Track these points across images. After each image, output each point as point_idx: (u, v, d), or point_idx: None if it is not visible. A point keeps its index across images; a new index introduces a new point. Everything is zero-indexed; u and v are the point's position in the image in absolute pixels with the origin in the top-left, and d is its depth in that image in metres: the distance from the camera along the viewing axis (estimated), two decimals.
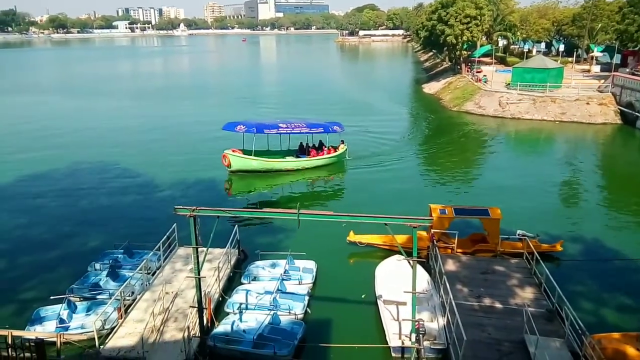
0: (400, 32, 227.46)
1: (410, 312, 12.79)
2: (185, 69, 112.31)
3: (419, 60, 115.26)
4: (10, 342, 12.08)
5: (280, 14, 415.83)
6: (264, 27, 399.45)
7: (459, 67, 67.06)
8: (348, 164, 31.31)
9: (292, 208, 12.12)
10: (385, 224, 11.90)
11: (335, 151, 31.05)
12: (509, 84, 51.85)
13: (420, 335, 12.53)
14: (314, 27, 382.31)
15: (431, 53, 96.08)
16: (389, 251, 18.91)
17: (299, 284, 16.67)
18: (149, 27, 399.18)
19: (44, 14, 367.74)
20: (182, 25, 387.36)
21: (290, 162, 30.03)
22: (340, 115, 47.18)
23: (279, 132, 29.41)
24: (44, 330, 13.80)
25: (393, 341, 13.38)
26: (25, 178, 28.88)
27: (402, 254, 12.45)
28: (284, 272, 17.10)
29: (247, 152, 28.89)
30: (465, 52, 67.46)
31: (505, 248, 18.37)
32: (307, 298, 15.80)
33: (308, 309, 15.32)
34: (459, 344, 12.18)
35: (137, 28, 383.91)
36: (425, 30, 67.14)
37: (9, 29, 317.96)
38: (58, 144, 37.23)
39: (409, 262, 12.27)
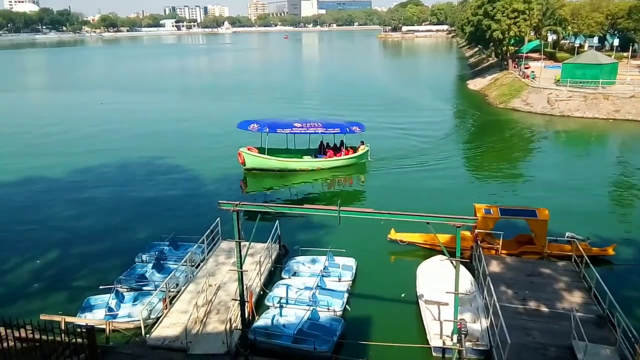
0: (445, 27, 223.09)
1: (452, 313, 12.57)
2: (230, 66, 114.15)
3: (463, 56, 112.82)
4: (63, 327, 12.67)
5: (323, 11, 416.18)
6: (307, 24, 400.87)
7: (505, 63, 65.19)
8: (383, 163, 30.49)
9: (333, 205, 12.13)
10: (428, 223, 11.72)
11: (354, 152, 30.01)
12: (558, 80, 49.94)
13: (463, 336, 12.31)
14: (356, 23, 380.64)
15: (476, 49, 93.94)
16: (431, 250, 18.65)
17: (339, 280, 16.68)
18: (194, 25, 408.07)
19: (96, 14, 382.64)
20: (226, 23, 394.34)
21: (304, 162, 29.40)
22: (380, 112, 47.29)
23: (292, 131, 28.84)
24: (94, 318, 14.38)
25: (434, 341, 13.19)
26: (79, 172, 30.13)
27: (445, 254, 12.24)
28: (324, 269, 17.14)
29: (263, 151, 28.70)
30: (512, 48, 65.45)
31: (552, 250, 17.76)
32: (346, 295, 15.79)
33: (347, 306, 15.31)
34: (502, 347, 11.88)
35: (183, 26, 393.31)
36: (470, 25, 65.61)
37: (64, 28, 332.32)
38: (110, 140, 38.68)
39: (452, 263, 12.06)
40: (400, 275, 17.46)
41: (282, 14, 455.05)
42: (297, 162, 29.38)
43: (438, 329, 13.31)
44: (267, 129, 28.01)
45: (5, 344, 11.59)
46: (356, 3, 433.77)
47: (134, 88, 71.14)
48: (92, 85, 77.57)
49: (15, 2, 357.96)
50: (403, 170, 29.72)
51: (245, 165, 28.70)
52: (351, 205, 21.26)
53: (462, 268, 13.73)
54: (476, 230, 17.43)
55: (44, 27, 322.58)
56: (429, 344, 13.30)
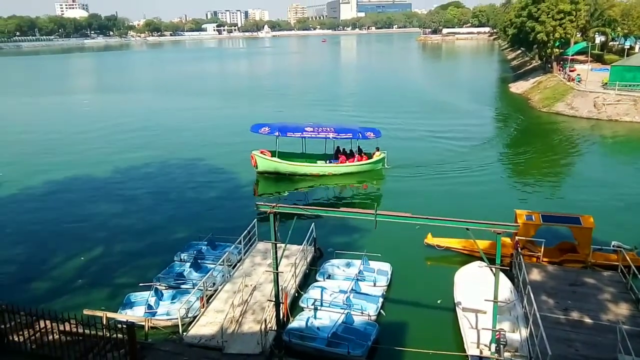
0: (486, 29, 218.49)
1: (490, 322, 12.27)
2: (267, 69, 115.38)
3: (505, 58, 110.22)
4: (105, 323, 13.09)
5: (362, 14, 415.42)
6: (345, 27, 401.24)
7: (549, 65, 63.26)
8: (418, 169, 29.96)
9: (369, 208, 12.06)
10: (467, 229, 11.49)
11: (368, 159, 29.45)
12: (606, 83, 48.09)
13: (501, 346, 11.98)
14: (396, 26, 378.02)
15: (519, 51, 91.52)
16: (469, 256, 18.27)
17: (374, 285, 16.56)
18: (235, 30, 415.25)
19: (141, 19, 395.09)
20: (266, 27, 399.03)
21: (315, 167, 29.12)
22: (418, 116, 46.84)
23: (302, 135, 28.78)
24: (134, 315, 14.79)
25: (471, 350, 12.90)
26: (122, 171, 31.13)
27: (484, 261, 11.95)
28: (359, 273, 17.07)
29: (277, 154, 28.90)
30: (556, 50, 63.46)
31: (597, 260, 17.07)
32: (381, 300, 15.67)
33: (382, 311, 15.18)
34: (542, 358, 11.50)
35: (224, 30, 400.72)
36: (513, 27, 63.99)
37: (111, 33, 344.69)
38: (151, 142, 39.77)
39: (492, 270, 11.77)
40: (436, 281, 17.20)
41: (321, 18, 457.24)
42: (307, 167, 29.13)
43: (475, 338, 13.01)
44: (278, 133, 28.35)
45: (50, 337, 12.08)
46: (395, 5, 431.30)
47: (175, 90, 72.92)
48: (135, 87, 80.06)
49: (66, 8, 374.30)
50: (441, 176, 29.15)
51: (257, 168, 29.02)
52: (386, 209, 21.07)
53: (501, 276, 13.39)
54: (517, 237, 16.98)
55: (92, 32, 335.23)
56: (465, 353, 13.02)
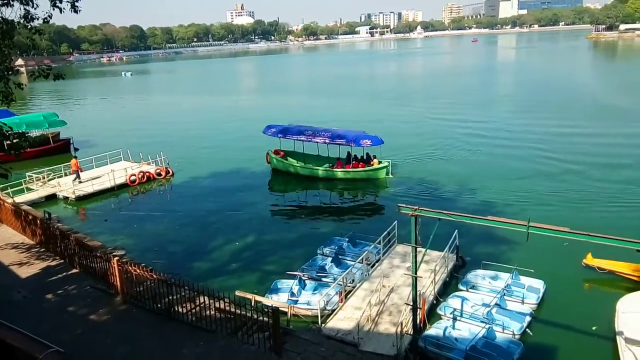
0: None
1: None
2: (415, 71, 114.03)
3: None
4: (253, 304, 14.22)
5: (524, 11, 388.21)
6: (504, 26, 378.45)
7: None
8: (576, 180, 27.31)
9: (522, 219, 11.25)
10: (638, 251, 10.10)
11: (364, 166, 29.29)
12: None
13: None
14: (562, 23, 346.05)
15: None
16: (637, 283, 16.04)
17: (522, 302, 15.41)
18: (387, 31, 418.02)
19: (299, 24, 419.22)
20: (418, 27, 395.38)
21: (313, 169, 30.42)
22: (581, 122, 42.26)
23: (298, 138, 30.60)
24: (279, 300, 15.77)
25: None
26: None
27: None
28: (506, 287, 16.02)
29: (289, 154, 32.14)
30: None
31: None
32: (528, 318, 14.52)
33: (528, 330, 14.07)
34: None
35: (376, 32, 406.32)
36: None
37: (272, 37, 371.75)
38: None
39: None
40: (594, 307, 15.43)
41: (478, 17, 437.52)
42: (306, 169, 30.73)
43: None
44: (280, 135, 31.15)
45: (207, 312, 13.49)
46: (563, 1, 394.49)
47: (327, 92, 76.01)
48: (292, 89, 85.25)
49: (236, 15, 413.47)
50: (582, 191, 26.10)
51: (271, 165, 32.20)
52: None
53: None
54: None
55: (256, 37, 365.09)
56: None
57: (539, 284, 16.29)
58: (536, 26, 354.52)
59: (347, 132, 29.84)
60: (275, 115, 50.73)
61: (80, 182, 30.04)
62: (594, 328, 14.31)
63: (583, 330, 14.28)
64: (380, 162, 29.05)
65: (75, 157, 31.69)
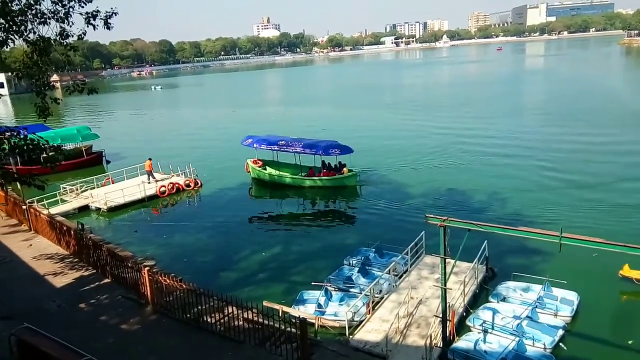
0: None
1: None
2: (438, 80, 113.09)
3: None
4: (280, 315, 14.23)
5: (552, 18, 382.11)
6: (532, 33, 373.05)
7: None
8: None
9: (554, 230, 11.00)
10: None
11: (334, 174, 30.59)
12: None
13: None
14: (593, 29, 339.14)
15: None
16: None
17: (555, 315, 15.00)
18: (412, 41, 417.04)
19: (324, 35, 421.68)
20: (444, 36, 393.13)
21: (287, 177, 31.85)
22: (611, 130, 41.20)
23: (273, 148, 32.10)
24: (306, 312, 15.74)
25: None
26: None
27: None
28: (538, 299, 15.63)
29: (267, 163, 33.59)
30: None
31: None
32: (561, 331, 14.11)
33: (562, 344, 13.68)
34: None
35: (401, 42, 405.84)
36: None
37: (298, 49, 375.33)
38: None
39: None
40: (631, 319, 14.98)
41: (505, 25, 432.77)
42: (281, 177, 32.07)
43: None
44: (255, 145, 32.55)
45: (235, 322, 13.57)
46: (594, 7, 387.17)
47: (346, 103, 76.14)
48: (316, 100, 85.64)
49: (262, 28, 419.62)
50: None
51: (250, 174, 33.47)
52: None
53: None
54: None
55: (282, 49, 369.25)
56: None
57: (572, 296, 15.84)
58: (565, 33, 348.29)
59: (319, 142, 31.42)
60: (300, 126, 51.11)
61: (156, 181, 32.54)
62: (630, 342, 13.82)
63: (619, 345, 13.80)
64: (350, 171, 30.30)
65: (150, 159, 33.58)
